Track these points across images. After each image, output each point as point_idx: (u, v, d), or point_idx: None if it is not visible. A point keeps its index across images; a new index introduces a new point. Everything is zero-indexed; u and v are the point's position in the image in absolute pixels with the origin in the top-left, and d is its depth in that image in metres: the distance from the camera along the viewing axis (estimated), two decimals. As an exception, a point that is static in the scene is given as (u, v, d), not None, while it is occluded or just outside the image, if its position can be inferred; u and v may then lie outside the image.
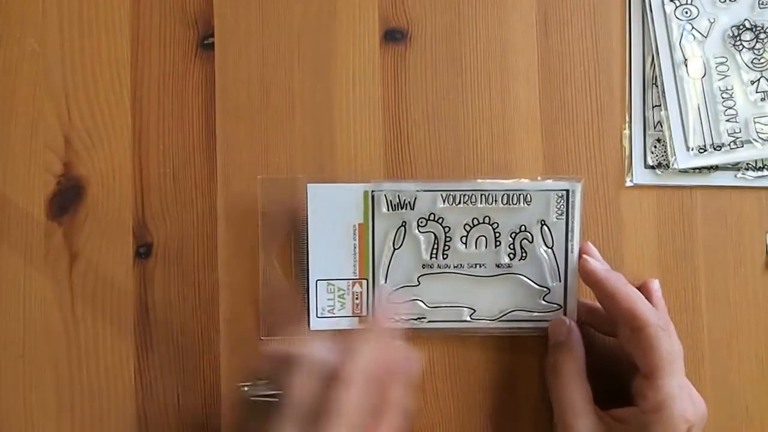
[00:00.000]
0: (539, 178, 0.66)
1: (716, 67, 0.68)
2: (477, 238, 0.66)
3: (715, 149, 0.67)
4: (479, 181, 0.66)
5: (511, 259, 0.66)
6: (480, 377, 0.66)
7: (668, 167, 0.68)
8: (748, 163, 0.68)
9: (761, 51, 0.68)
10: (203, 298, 0.67)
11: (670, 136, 0.68)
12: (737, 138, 0.67)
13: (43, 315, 0.66)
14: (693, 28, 0.68)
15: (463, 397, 0.67)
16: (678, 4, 0.68)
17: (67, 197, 0.67)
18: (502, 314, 0.66)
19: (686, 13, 0.68)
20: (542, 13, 0.69)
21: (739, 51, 0.68)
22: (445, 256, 0.66)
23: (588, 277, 0.63)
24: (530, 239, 0.65)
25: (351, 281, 0.66)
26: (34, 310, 0.66)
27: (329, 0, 0.69)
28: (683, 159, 0.67)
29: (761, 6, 0.68)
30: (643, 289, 0.65)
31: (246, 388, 0.57)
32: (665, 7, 0.68)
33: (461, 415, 0.67)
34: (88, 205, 0.67)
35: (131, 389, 0.66)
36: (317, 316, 0.66)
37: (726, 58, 0.68)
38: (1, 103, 0.67)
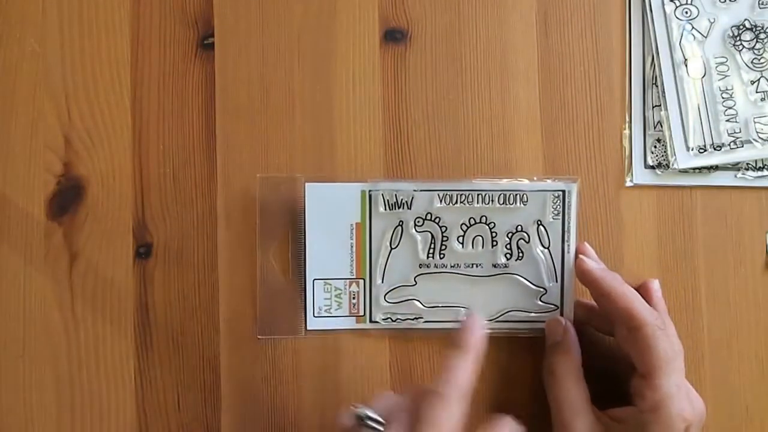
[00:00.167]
0: (535, 178, 0.66)
1: (716, 67, 0.68)
2: (474, 238, 0.66)
3: (715, 149, 0.67)
4: (476, 181, 0.66)
5: (507, 259, 0.66)
6: (477, 377, 0.65)
7: (668, 167, 0.68)
8: (748, 163, 0.68)
9: (761, 51, 0.68)
10: (203, 298, 0.67)
11: (670, 136, 0.67)
12: (737, 138, 0.67)
13: (43, 315, 0.66)
14: (693, 28, 0.68)
15: (462, 397, 0.67)
16: (678, 4, 0.68)
17: (67, 197, 0.67)
18: (498, 314, 0.66)
19: (686, 13, 0.68)
20: (542, 13, 0.69)
21: (739, 51, 0.68)
22: (441, 256, 0.66)
23: (584, 276, 0.63)
24: (527, 239, 0.65)
25: (348, 281, 0.66)
26: (34, 310, 0.66)
27: (329, 0, 0.69)
28: (683, 159, 0.67)
29: (761, 6, 0.68)
30: (643, 289, 0.65)
31: (356, 409, 0.57)
32: (665, 7, 0.68)
33: (460, 415, 0.67)
34: (88, 205, 0.67)
35: (131, 389, 0.67)
36: (314, 316, 0.66)
37: (726, 58, 0.68)
38: (1, 103, 0.67)
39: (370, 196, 0.66)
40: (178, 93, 0.68)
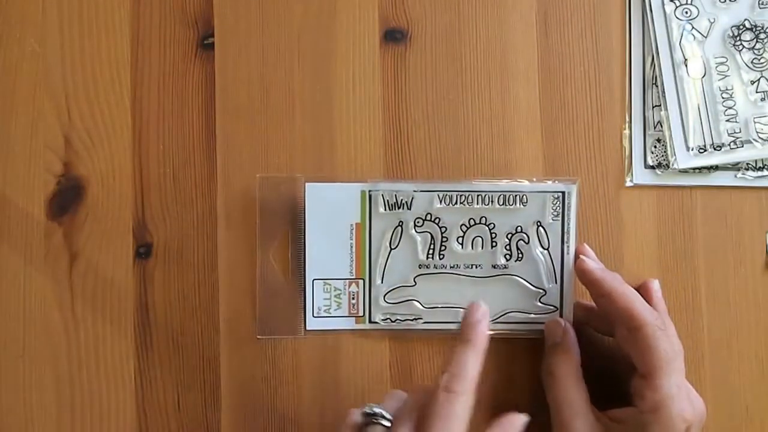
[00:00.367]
0: (535, 179, 0.66)
1: (716, 67, 0.68)
2: (473, 239, 0.66)
3: (715, 149, 0.67)
4: (475, 182, 0.66)
5: (507, 260, 0.66)
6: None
7: (668, 167, 0.68)
8: (748, 163, 0.68)
9: (761, 51, 0.68)
10: (203, 298, 0.67)
11: (670, 136, 0.67)
12: (737, 138, 0.67)
13: (43, 315, 0.66)
14: (693, 28, 0.68)
15: (461, 398, 0.67)
16: (678, 4, 0.68)
17: (67, 197, 0.67)
18: (498, 315, 0.66)
19: (686, 13, 0.68)
20: (542, 13, 0.69)
21: (739, 51, 0.68)
22: (441, 257, 0.66)
23: (584, 276, 0.63)
24: (526, 240, 0.66)
25: (347, 281, 0.66)
26: (34, 310, 0.66)
27: (329, 0, 0.69)
28: (683, 159, 0.67)
29: (761, 6, 0.68)
30: (643, 289, 0.65)
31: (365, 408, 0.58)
32: (665, 7, 0.68)
33: (459, 415, 0.67)
34: (88, 205, 0.67)
35: (131, 389, 0.67)
36: (313, 316, 0.66)
37: (726, 58, 0.68)
38: (1, 103, 0.67)
39: (370, 197, 0.66)
40: (178, 93, 0.68)
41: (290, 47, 0.68)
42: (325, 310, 0.66)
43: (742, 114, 0.67)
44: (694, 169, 0.68)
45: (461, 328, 0.59)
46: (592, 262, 0.63)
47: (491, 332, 0.65)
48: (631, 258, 0.68)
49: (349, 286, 0.66)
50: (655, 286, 0.65)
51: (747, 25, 0.68)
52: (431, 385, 0.57)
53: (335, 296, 0.66)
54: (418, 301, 0.66)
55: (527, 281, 0.66)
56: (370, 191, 0.66)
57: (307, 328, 0.66)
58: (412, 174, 0.68)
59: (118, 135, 0.67)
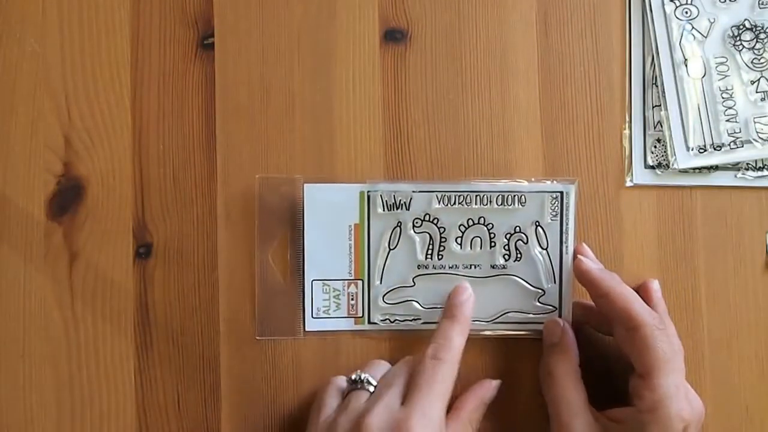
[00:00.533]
0: (533, 179, 0.66)
1: (716, 67, 0.68)
2: (472, 239, 0.66)
3: (715, 149, 0.67)
4: (474, 182, 0.66)
5: (506, 260, 0.66)
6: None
7: (668, 167, 0.68)
8: (748, 163, 0.68)
9: (761, 51, 0.68)
10: (203, 298, 0.67)
11: (670, 136, 0.67)
12: (737, 138, 0.67)
13: (43, 315, 0.66)
14: (693, 28, 0.68)
15: (461, 398, 0.67)
16: (678, 4, 0.68)
17: (67, 197, 0.67)
18: (497, 315, 0.66)
19: (686, 13, 0.68)
20: (542, 13, 0.69)
21: (739, 51, 0.68)
22: (440, 257, 0.66)
23: (583, 276, 0.63)
24: (525, 240, 0.66)
25: (346, 282, 0.66)
26: (34, 310, 0.66)
27: (329, 0, 0.69)
28: (683, 159, 0.67)
29: (761, 6, 0.68)
30: (643, 289, 0.65)
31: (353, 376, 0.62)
32: (665, 7, 0.68)
33: (459, 415, 0.67)
34: (88, 205, 0.67)
35: (131, 389, 0.67)
36: (312, 317, 0.66)
37: (726, 58, 0.68)
38: (1, 103, 0.67)
39: (368, 197, 0.66)
40: (178, 93, 0.68)
41: (290, 47, 0.68)
42: (324, 310, 0.66)
43: (742, 114, 0.67)
44: (694, 169, 0.68)
45: (446, 307, 0.64)
46: (590, 262, 0.63)
47: (490, 333, 0.65)
48: (631, 258, 0.68)
49: (348, 287, 0.66)
50: (655, 286, 0.65)
51: (747, 25, 0.68)
52: (418, 356, 0.60)
53: (334, 297, 0.66)
54: (417, 302, 0.66)
55: (526, 281, 0.66)
56: (368, 192, 0.66)
57: (307, 329, 0.66)
58: (412, 174, 0.67)
59: (118, 135, 0.67)
